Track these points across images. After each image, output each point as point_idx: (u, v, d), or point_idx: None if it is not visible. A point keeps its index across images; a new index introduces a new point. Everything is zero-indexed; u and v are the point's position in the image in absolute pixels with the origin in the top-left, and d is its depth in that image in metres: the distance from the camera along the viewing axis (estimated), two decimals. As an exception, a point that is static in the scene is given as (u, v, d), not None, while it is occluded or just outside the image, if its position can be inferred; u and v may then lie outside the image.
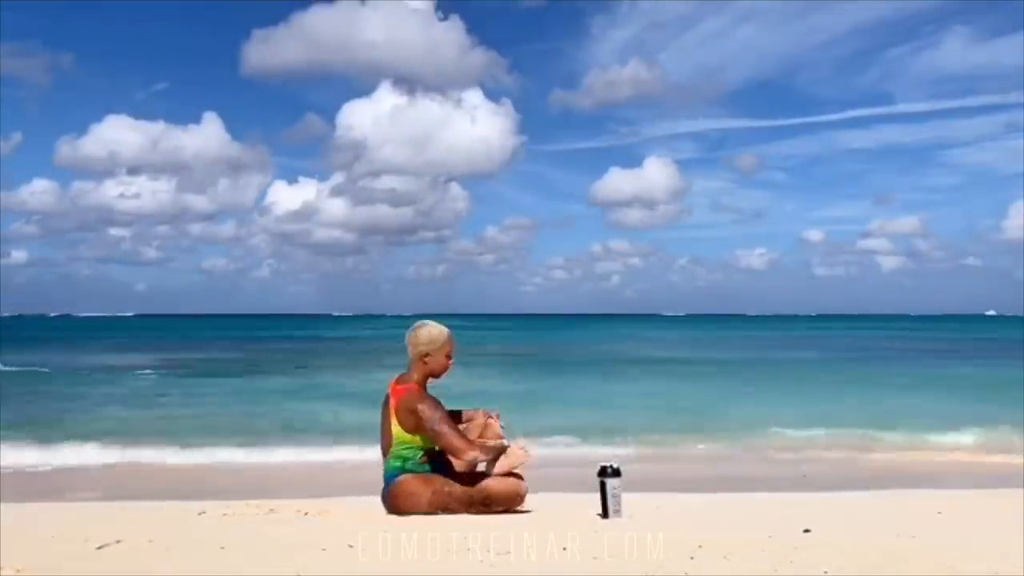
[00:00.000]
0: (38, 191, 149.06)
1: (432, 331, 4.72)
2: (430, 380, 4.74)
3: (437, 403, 4.64)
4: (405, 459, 4.67)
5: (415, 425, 4.60)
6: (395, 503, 4.68)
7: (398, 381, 4.74)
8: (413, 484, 4.63)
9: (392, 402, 4.68)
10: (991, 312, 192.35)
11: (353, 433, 11.49)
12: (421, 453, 4.66)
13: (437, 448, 4.65)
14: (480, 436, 4.81)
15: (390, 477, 4.70)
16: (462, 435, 4.62)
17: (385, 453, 4.76)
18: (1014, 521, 4.61)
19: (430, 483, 4.62)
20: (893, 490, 7.23)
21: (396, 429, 4.65)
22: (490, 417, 4.90)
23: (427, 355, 4.68)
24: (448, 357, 4.73)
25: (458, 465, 4.72)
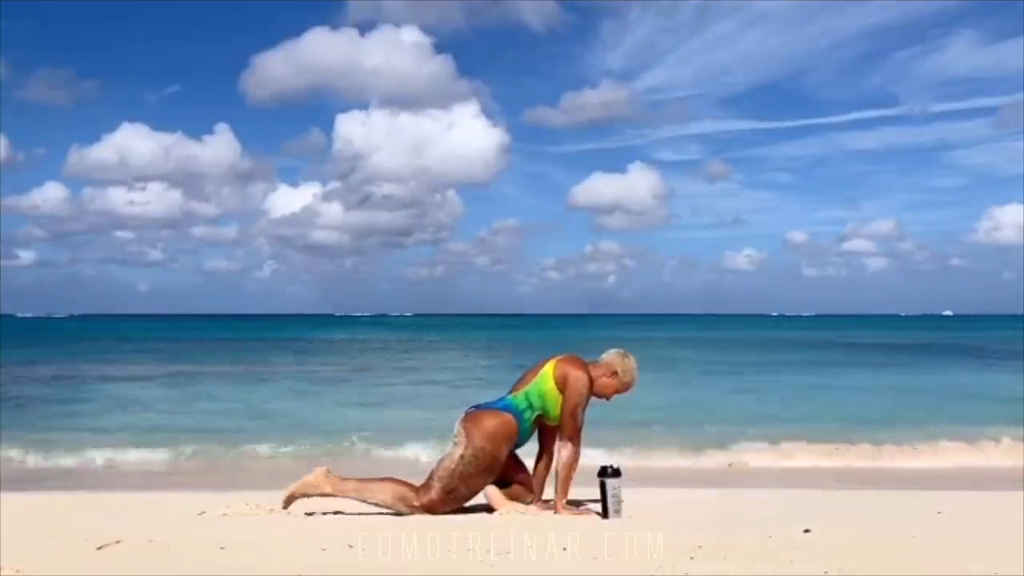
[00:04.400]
0: (51, 197, 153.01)
1: (634, 367, 4.90)
2: (594, 390, 4.83)
3: (587, 399, 4.78)
4: (525, 407, 4.75)
5: (562, 381, 4.71)
6: (468, 422, 4.72)
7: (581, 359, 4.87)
8: (492, 423, 4.68)
9: (560, 358, 4.82)
10: (947, 312, 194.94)
11: (354, 433, 11.48)
12: (538, 414, 4.77)
13: (550, 423, 4.80)
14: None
15: (497, 402, 4.81)
16: (579, 434, 4.77)
17: (513, 391, 4.87)
18: (1014, 521, 4.61)
19: (501, 437, 4.69)
20: (893, 490, 7.23)
21: (545, 373, 4.75)
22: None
23: (615, 374, 4.85)
24: (617, 391, 4.89)
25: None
